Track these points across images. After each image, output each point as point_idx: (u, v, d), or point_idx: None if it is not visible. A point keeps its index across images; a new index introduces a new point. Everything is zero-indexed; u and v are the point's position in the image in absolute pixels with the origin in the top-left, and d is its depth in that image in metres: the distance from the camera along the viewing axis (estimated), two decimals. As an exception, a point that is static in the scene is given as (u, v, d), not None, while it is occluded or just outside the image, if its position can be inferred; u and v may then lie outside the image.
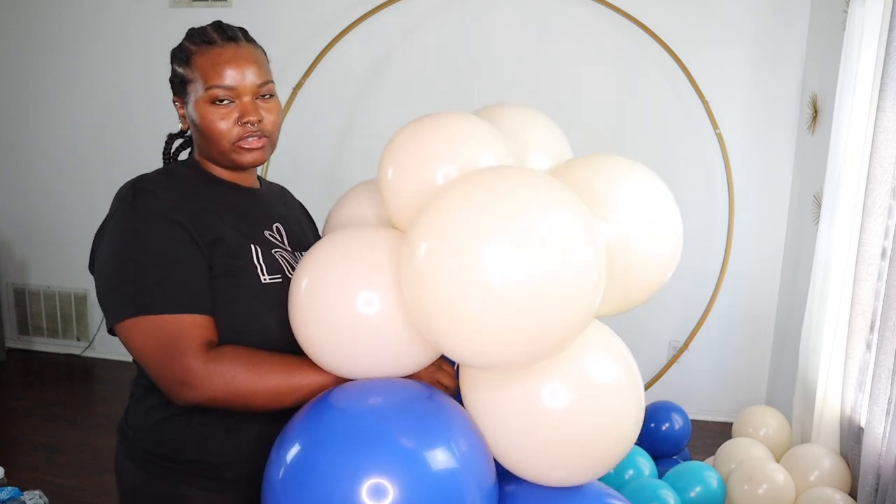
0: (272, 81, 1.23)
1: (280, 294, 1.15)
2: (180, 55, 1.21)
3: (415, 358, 1.10)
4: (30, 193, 3.97)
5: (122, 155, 3.72)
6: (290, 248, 1.25)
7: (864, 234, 2.23)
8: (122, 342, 1.12)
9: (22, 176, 3.96)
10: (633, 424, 1.07)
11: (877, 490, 2.10)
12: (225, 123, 1.17)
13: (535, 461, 1.06)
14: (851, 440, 2.32)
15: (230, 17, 1.28)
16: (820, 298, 2.51)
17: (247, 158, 1.20)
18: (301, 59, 3.36)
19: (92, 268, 1.18)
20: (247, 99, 1.18)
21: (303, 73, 3.28)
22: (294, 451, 1.00)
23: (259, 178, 1.36)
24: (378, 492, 0.92)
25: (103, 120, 3.78)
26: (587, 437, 1.03)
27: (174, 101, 1.24)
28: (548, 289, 0.89)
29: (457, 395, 1.15)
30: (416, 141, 1.10)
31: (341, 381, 1.11)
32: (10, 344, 4.05)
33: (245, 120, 1.17)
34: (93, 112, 3.79)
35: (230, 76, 1.16)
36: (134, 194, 1.13)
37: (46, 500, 2.23)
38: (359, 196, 1.30)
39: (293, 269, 1.21)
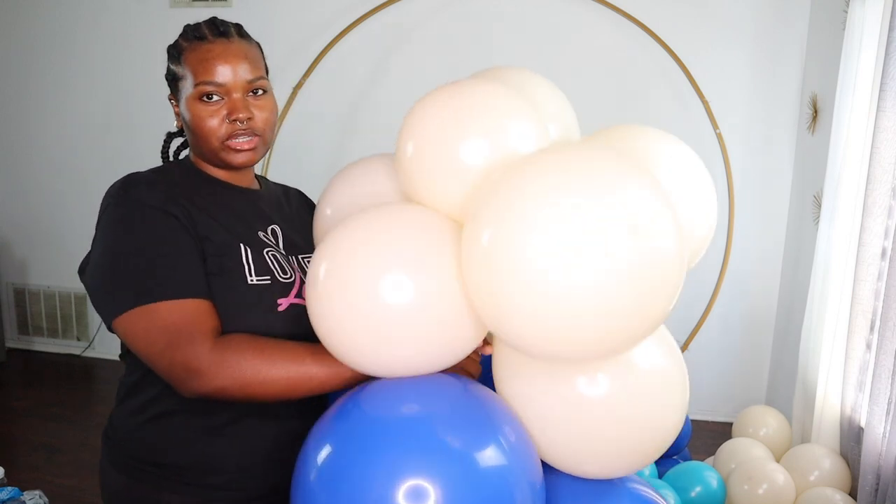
0: (265, 78, 1.19)
1: (267, 296, 1.11)
2: (173, 52, 1.18)
3: (464, 349, 1.01)
4: (30, 193, 3.97)
5: (122, 155, 3.72)
6: (284, 252, 1.20)
7: (864, 234, 2.23)
8: (123, 337, 1.07)
9: (22, 176, 3.96)
10: (679, 415, 1.01)
11: (877, 490, 2.10)
12: (213, 121, 1.13)
13: (573, 452, 1.00)
14: (851, 440, 2.32)
15: (230, 17, 1.27)
16: (820, 298, 2.51)
17: (237, 159, 1.16)
18: (301, 59, 3.36)
19: (82, 271, 1.13)
20: (236, 95, 1.14)
21: (303, 73, 3.28)
22: (327, 452, 0.93)
23: (261, 179, 1.32)
24: (418, 494, 0.86)
25: (103, 120, 3.78)
26: (630, 427, 0.97)
27: (170, 99, 1.22)
28: (632, 281, 0.81)
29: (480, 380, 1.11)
30: (437, 111, 1.00)
31: (355, 371, 1.03)
32: (10, 344, 4.05)
33: (234, 117, 1.13)
34: (93, 112, 3.79)
35: (219, 72, 1.12)
36: (125, 189, 1.10)
37: (46, 500, 2.23)
38: (354, 178, 1.20)
39: (284, 272, 1.16)
